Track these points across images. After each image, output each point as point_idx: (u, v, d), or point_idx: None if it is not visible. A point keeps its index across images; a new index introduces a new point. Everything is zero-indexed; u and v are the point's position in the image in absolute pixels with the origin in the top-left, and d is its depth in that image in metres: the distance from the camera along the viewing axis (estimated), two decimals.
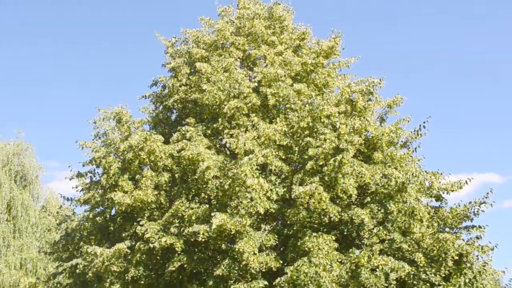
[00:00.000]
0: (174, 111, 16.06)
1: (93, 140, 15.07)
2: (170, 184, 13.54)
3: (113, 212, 14.22)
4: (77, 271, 13.74)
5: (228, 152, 14.20)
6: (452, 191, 13.75)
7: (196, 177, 12.62)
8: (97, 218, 14.12)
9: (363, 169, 12.33)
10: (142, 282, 12.55)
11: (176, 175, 13.50)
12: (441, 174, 14.02)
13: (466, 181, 13.80)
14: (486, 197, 12.98)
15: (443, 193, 13.91)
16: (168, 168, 13.44)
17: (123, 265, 12.51)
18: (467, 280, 11.49)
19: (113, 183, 13.64)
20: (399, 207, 12.50)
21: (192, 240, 11.93)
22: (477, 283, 11.81)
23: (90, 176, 15.01)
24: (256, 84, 14.25)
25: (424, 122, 14.06)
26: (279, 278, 11.21)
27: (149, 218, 13.12)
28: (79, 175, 14.96)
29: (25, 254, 26.17)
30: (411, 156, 14.24)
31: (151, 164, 13.43)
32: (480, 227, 13.05)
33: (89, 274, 12.89)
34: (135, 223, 13.04)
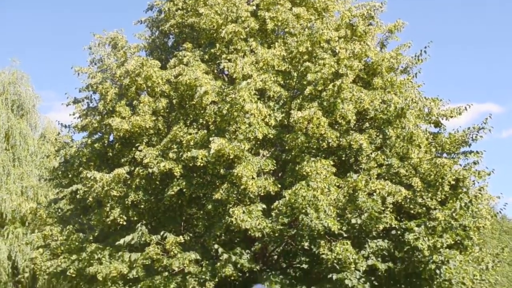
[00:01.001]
0: (171, 36, 15.73)
1: (89, 66, 14.86)
2: (167, 110, 13.45)
3: (111, 138, 14.21)
4: (77, 196, 13.86)
5: (226, 78, 14.03)
6: (451, 117, 13.72)
7: (194, 102, 12.54)
8: (96, 145, 14.11)
9: (362, 94, 12.24)
10: (142, 206, 12.70)
11: (174, 101, 13.39)
12: (441, 100, 13.95)
13: (465, 107, 13.74)
14: (484, 123, 12.97)
15: (442, 119, 13.90)
16: (165, 94, 13.31)
17: (122, 190, 12.61)
18: (462, 204, 11.60)
19: (110, 109, 13.56)
20: (398, 133, 12.50)
21: (190, 165, 11.97)
22: (473, 207, 11.96)
23: (87, 102, 14.91)
24: (254, 7, 13.88)
25: (425, 47, 13.87)
26: (277, 202, 11.35)
27: (147, 143, 13.11)
28: (76, 101, 14.85)
29: (25, 182, 26.42)
30: (411, 82, 14.13)
31: (148, 90, 13.29)
32: (477, 152, 13.12)
33: (89, 199, 13.01)
34: (133, 149, 13.04)
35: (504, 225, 46.39)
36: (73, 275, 12.88)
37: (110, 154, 14.09)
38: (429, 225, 11.32)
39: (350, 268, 10.84)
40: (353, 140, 11.98)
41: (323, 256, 10.95)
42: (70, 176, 14.82)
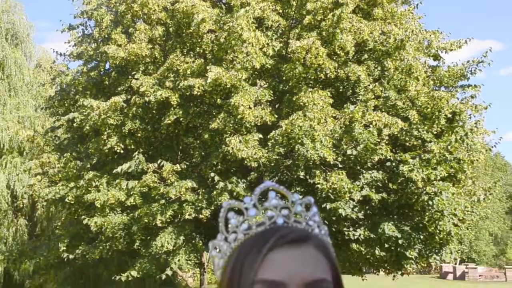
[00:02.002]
0: None
1: None
2: (164, 38, 13.24)
3: (107, 66, 14.06)
4: (74, 125, 13.83)
5: (223, 6, 13.74)
6: (451, 50, 13.59)
7: (190, 30, 12.33)
8: (91, 73, 13.96)
9: (362, 25, 12.06)
10: (139, 135, 12.72)
11: (171, 29, 13.16)
12: (441, 33, 13.78)
13: (465, 41, 13.59)
14: (484, 56, 12.87)
15: (442, 52, 13.78)
16: (162, 22, 13.06)
17: (119, 118, 12.58)
18: (458, 138, 11.65)
19: (106, 36, 13.33)
20: (396, 65, 12.40)
21: (187, 94, 11.92)
22: (468, 141, 12.03)
23: (82, 29, 14.64)
24: None
25: None
26: (273, 132, 11.38)
27: (143, 72, 12.99)
28: (71, 27, 14.58)
29: (21, 113, 26.35)
30: (411, 13, 13.88)
31: (144, 17, 13.03)
32: (475, 86, 13.09)
33: (86, 127, 12.99)
34: (129, 77, 12.93)
35: (497, 162, 46.95)
36: (71, 202, 13.03)
37: (106, 82, 13.97)
38: (424, 158, 11.42)
39: (345, 197, 11.01)
40: (351, 71, 11.89)
41: (318, 186, 11.10)
42: (66, 105, 14.75)
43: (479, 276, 30.96)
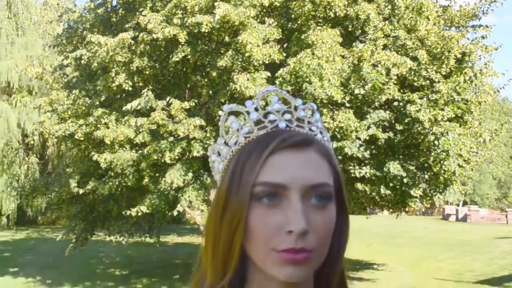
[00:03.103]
0: None
1: None
2: None
3: (114, 3, 13.93)
4: (82, 62, 13.86)
5: None
6: None
7: None
8: (99, 10, 13.87)
9: None
10: (147, 72, 12.72)
11: None
12: None
13: None
14: None
15: None
16: None
17: (127, 55, 12.56)
18: (466, 78, 11.60)
19: None
20: (407, 3, 12.21)
21: (195, 31, 11.83)
22: (476, 81, 11.98)
23: None
24: None
25: None
26: (281, 70, 11.37)
27: (151, 9, 12.87)
28: None
29: (30, 52, 26.33)
30: None
31: None
32: (487, 26, 12.90)
33: (94, 64, 13.01)
34: (137, 14, 12.82)
35: (504, 107, 46.72)
36: (81, 139, 13.21)
37: (114, 19, 13.89)
38: (432, 98, 11.40)
39: (351, 136, 11.10)
40: (361, 10, 11.73)
41: (325, 124, 11.16)
42: (74, 42, 14.74)
43: (481, 218, 31.40)
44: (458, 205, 36.11)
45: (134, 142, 12.57)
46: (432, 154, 11.78)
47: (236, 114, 1.10)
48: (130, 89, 12.72)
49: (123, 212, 13.17)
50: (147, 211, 12.66)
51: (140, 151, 12.68)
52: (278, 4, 12.02)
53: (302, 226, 0.94)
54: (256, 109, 1.06)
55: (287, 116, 1.05)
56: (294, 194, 0.97)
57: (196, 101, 12.89)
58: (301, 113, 1.06)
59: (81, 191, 13.43)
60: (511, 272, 12.72)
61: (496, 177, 44.45)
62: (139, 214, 12.69)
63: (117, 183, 12.90)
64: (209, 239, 1.05)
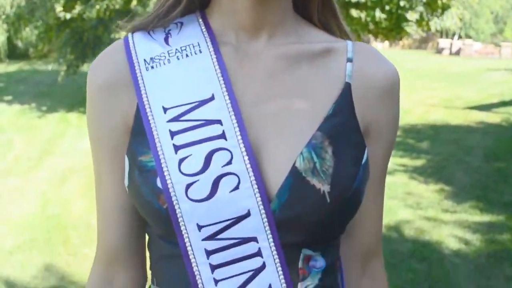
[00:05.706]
0: None
1: None
2: None
3: None
4: None
5: None
6: None
7: None
8: None
9: None
10: None
11: None
12: None
13: None
14: None
15: None
16: None
17: None
18: None
19: None
20: None
21: None
22: None
23: None
24: None
25: None
26: None
27: None
28: None
29: None
30: None
31: None
32: None
33: None
34: None
35: None
36: None
37: None
38: None
39: None
40: None
41: None
42: None
43: (475, 51, 31.23)
44: (453, 37, 35.77)
45: None
46: None
47: None
48: None
49: (112, 36, 12.90)
50: None
51: None
52: None
53: None
54: None
55: None
56: None
57: None
58: None
59: (68, 16, 13.02)
60: (500, 100, 12.91)
61: (494, 11, 43.43)
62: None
63: (105, 6, 12.46)
64: None
